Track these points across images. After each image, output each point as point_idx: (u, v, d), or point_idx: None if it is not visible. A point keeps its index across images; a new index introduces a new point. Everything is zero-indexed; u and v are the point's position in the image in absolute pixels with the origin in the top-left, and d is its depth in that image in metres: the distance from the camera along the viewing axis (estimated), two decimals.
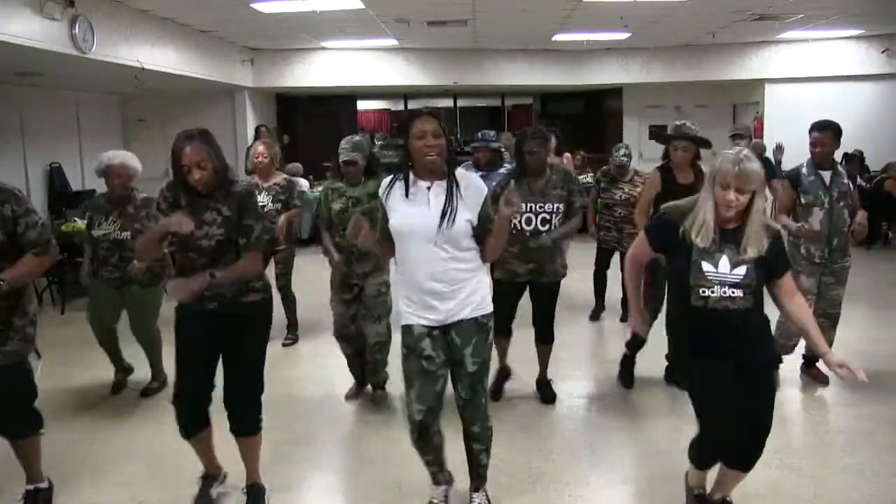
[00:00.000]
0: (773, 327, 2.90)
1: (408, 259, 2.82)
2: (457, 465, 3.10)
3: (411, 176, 2.80)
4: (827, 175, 4.25)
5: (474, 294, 2.82)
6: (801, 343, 4.48)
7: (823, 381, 4.54)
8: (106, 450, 3.81)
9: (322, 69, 11.37)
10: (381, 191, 2.90)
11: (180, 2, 7.38)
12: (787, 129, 10.73)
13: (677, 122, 4.42)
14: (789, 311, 2.71)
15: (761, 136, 11.75)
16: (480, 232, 2.80)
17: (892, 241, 9.81)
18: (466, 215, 2.75)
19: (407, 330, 2.87)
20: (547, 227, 4.06)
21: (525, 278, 4.19)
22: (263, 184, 5.39)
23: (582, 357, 5.29)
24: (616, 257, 6.08)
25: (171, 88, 9.90)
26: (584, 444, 3.82)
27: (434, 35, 9.83)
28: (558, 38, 10.28)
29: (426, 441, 2.91)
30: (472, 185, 2.81)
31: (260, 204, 5.40)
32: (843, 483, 3.33)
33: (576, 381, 4.79)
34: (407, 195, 2.79)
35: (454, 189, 2.74)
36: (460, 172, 2.85)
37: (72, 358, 5.30)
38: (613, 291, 6.22)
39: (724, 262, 2.58)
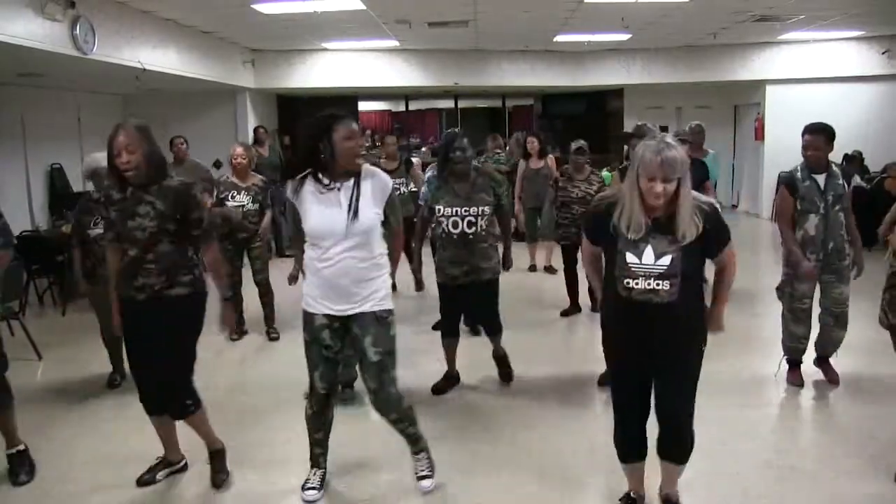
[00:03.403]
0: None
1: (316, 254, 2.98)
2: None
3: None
4: (821, 179, 4.17)
5: (377, 291, 2.99)
6: (812, 338, 4.49)
7: (834, 380, 4.51)
8: (105, 449, 3.81)
9: (323, 70, 11.38)
10: (289, 191, 3.00)
11: (181, 3, 7.39)
12: (788, 130, 10.73)
13: (638, 123, 4.43)
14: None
15: (762, 138, 11.77)
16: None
17: None
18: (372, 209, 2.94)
19: (309, 318, 3.03)
20: (473, 230, 4.09)
21: (462, 280, 4.24)
22: (242, 184, 5.57)
23: (583, 357, 5.28)
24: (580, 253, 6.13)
25: (172, 89, 9.91)
26: (584, 444, 3.82)
27: (435, 36, 9.83)
28: (559, 39, 10.29)
29: (323, 416, 3.17)
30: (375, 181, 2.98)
31: (239, 203, 5.54)
32: (843, 483, 3.32)
33: (578, 380, 4.77)
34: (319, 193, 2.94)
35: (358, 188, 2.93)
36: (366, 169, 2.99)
37: (72, 358, 5.31)
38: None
39: (649, 253, 2.55)
